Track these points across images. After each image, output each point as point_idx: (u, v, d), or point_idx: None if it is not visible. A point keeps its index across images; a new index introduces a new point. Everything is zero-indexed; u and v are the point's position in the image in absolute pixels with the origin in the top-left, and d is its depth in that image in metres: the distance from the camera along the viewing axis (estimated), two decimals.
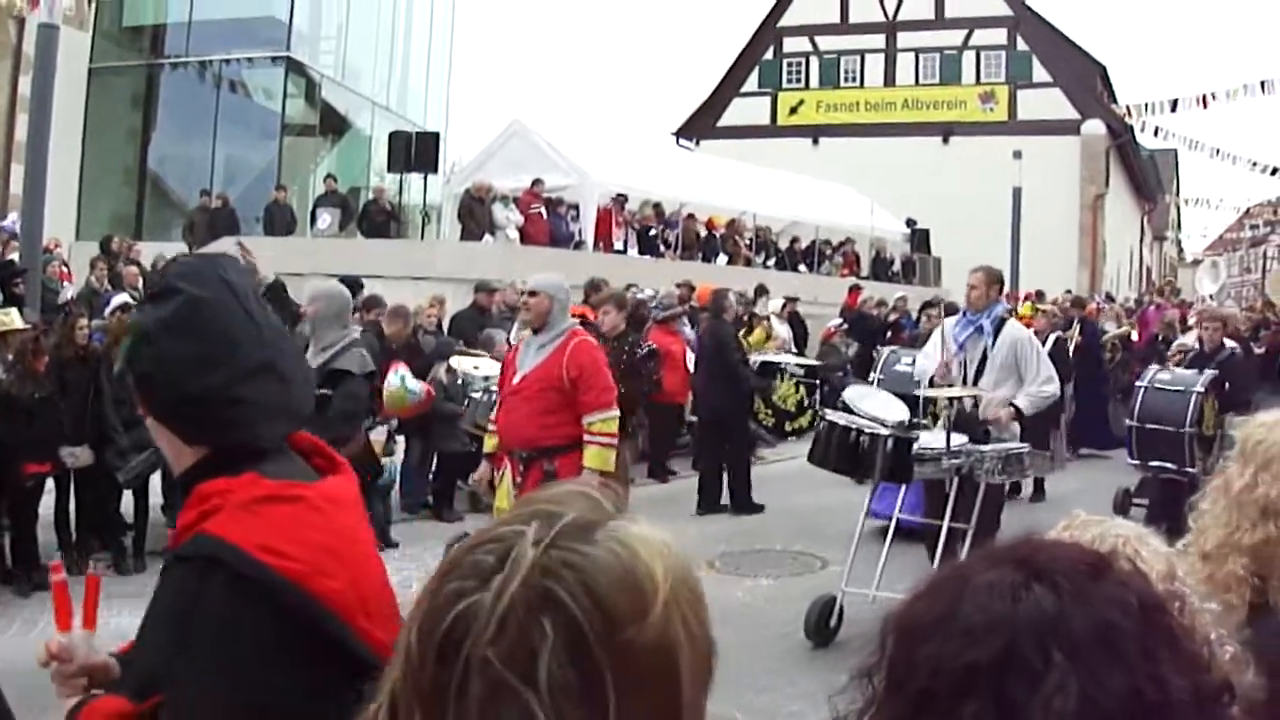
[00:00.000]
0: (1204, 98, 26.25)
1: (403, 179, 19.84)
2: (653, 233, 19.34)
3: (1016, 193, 23.26)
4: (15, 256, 11.05)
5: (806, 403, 11.76)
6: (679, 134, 35.01)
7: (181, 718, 1.55)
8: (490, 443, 6.18)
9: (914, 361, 8.36)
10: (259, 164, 23.39)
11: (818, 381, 12.68)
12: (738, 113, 34.73)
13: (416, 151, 18.38)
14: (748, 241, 21.69)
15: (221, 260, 1.82)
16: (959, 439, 6.51)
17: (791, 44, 34.73)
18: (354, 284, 9.85)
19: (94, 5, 22.80)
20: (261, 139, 23.80)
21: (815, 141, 33.18)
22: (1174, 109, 26.70)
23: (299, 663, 1.52)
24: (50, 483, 7.60)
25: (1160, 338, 13.12)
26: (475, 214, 16.83)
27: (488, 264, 14.94)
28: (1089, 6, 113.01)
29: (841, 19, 34.03)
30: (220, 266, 1.78)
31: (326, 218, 18.26)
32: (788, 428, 11.87)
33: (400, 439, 9.36)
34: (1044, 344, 9.07)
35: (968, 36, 32.76)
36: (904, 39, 33.28)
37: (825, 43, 34.18)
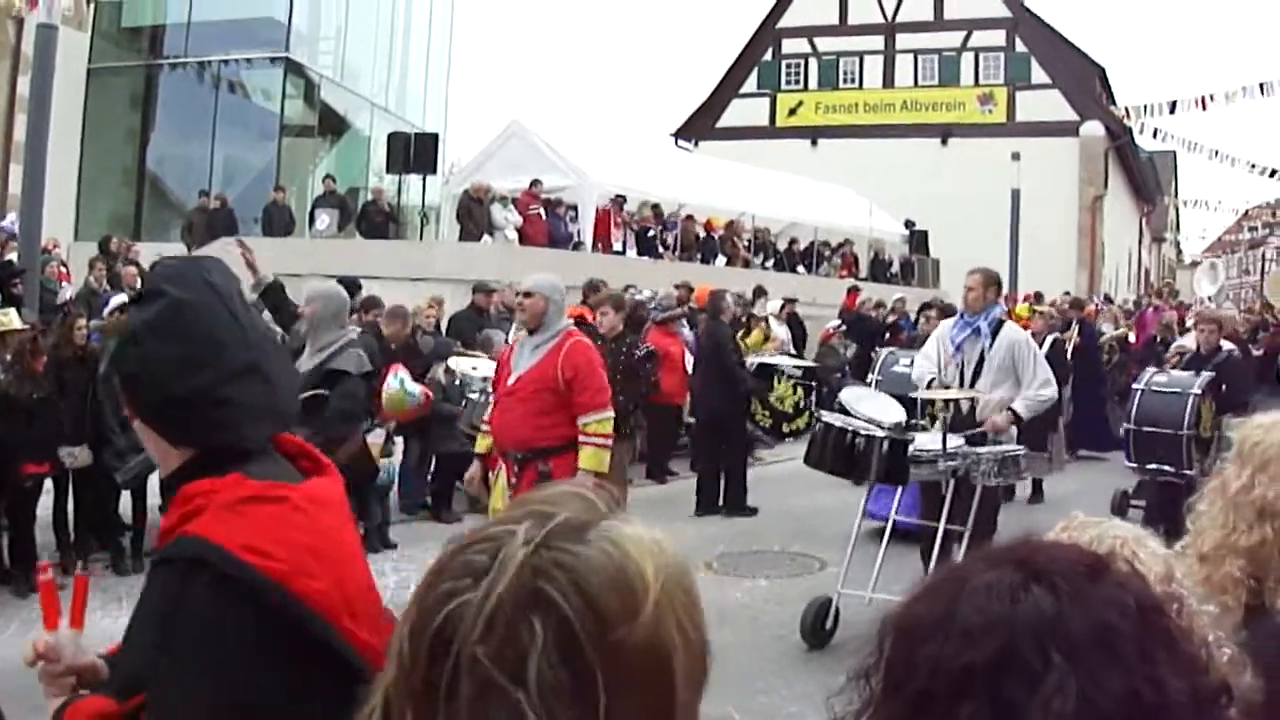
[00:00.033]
0: (1203, 99, 26.27)
1: (401, 180, 19.86)
2: (651, 234, 19.34)
3: (1015, 194, 23.29)
4: (14, 257, 11.04)
5: (803, 404, 11.75)
6: (678, 135, 35.03)
7: (165, 718, 1.55)
8: (483, 443, 6.17)
9: (912, 363, 8.36)
10: (258, 164, 23.39)
11: (813, 383, 12.66)
12: (736, 114, 34.77)
13: (415, 152, 18.39)
14: (746, 243, 21.71)
15: (205, 262, 1.83)
16: (955, 441, 6.51)
17: (790, 45, 34.77)
18: (352, 285, 9.86)
19: (93, 6, 22.81)
20: (260, 140, 23.80)
21: (814, 143, 33.21)
22: (1173, 110, 26.72)
23: (282, 663, 1.53)
24: (49, 483, 7.59)
25: (1158, 339, 13.13)
26: (474, 215, 16.84)
27: (486, 265, 14.94)
28: (1088, 8, 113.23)
29: (840, 20, 34.07)
30: (204, 269, 1.79)
31: (325, 218, 18.26)
32: (785, 429, 11.86)
33: (399, 440, 9.37)
34: (1041, 346, 9.07)
35: (966, 38, 32.79)
36: (903, 40, 33.31)
37: (824, 44, 34.22)
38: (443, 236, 20.27)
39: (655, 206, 19.81)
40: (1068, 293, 19.45)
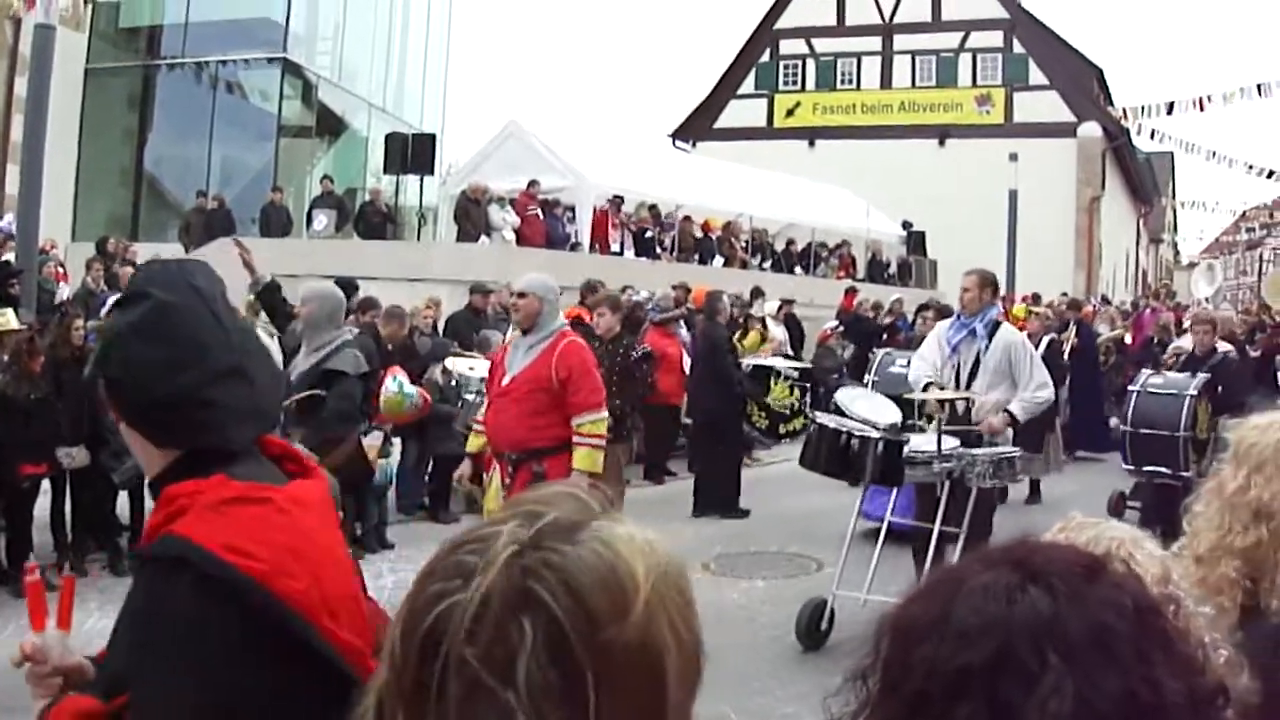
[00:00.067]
0: (1200, 100, 26.33)
1: (399, 180, 19.86)
2: (649, 234, 19.34)
3: (1012, 195, 23.31)
4: (11, 257, 11.02)
5: (799, 405, 11.75)
6: (675, 136, 35.05)
7: (148, 717, 1.55)
8: (475, 442, 6.16)
9: (909, 364, 8.35)
10: (255, 165, 23.37)
11: (810, 384, 12.66)
12: (734, 115, 34.78)
13: (413, 153, 18.40)
14: (744, 243, 21.70)
15: (189, 265, 1.84)
16: (950, 442, 6.50)
17: (788, 46, 34.78)
18: (349, 286, 9.86)
19: (90, 6, 22.81)
20: (258, 140, 23.79)
21: (811, 144, 33.22)
22: (1170, 111, 26.78)
23: (264, 662, 1.53)
24: (46, 484, 7.58)
25: (1156, 340, 13.13)
26: (471, 215, 16.83)
27: (484, 265, 14.93)
28: (1085, 9, 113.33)
29: (838, 21, 34.09)
30: (188, 272, 1.80)
31: (323, 219, 18.25)
32: (782, 430, 11.86)
33: (396, 441, 9.37)
34: (1037, 347, 9.06)
35: (964, 39, 32.82)
36: (900, 41, 33.33)
37: (822, 45, 34.24)
38: (440, 237, 20.28)
39: (653, 207, 19.81)
40: (1065, 293, 19.47)
